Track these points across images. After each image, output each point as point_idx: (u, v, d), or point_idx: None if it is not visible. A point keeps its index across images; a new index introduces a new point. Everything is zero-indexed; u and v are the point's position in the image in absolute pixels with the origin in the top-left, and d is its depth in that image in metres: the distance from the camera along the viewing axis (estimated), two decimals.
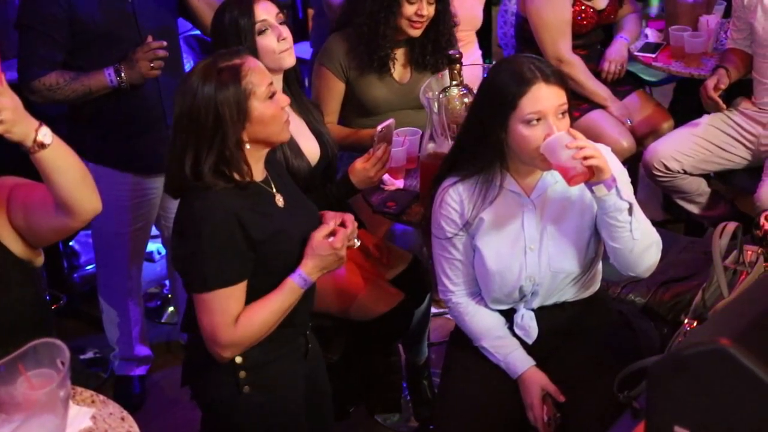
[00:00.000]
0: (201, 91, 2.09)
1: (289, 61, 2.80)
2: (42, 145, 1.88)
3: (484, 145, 2.29)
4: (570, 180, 2.16)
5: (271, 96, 2.17)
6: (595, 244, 2.40)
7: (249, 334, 2.18)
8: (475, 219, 2.36)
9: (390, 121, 2.79)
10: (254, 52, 2.70)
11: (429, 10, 3.18)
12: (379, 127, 2.75)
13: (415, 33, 3.20)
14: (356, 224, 2.33)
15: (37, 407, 1.77)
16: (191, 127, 2.11)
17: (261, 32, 2.75)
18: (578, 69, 3.89)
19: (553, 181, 2.34)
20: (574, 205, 2.35)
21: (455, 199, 2.38)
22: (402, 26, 3.19)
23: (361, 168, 2.75)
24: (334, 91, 3.28)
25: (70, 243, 4.34)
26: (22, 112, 1.86)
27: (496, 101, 2.24)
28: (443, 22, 3.25)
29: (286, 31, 2.78)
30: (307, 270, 2.22)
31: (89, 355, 3.74)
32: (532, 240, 2.36)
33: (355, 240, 2.32)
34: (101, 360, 3.72)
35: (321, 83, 3.30)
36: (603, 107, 3.92)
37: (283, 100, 2.22)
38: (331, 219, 2.31)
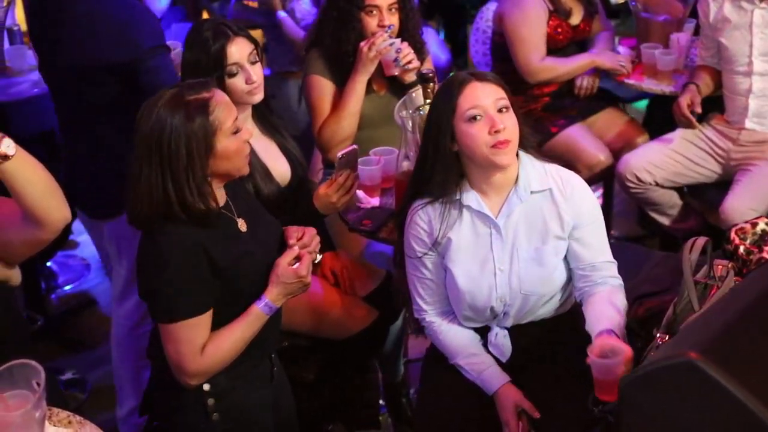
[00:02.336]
0: (170, 122, 2.06)
1: (257, 98, 2.77)
2: (5, 157, 1.89)
3: (440, 163, 2.33)
4: None
5: (236, 131, 2.16)
6: (566, 268, 2.43)
7: (215, 363, 2.19)
8: (443, 239, 2.38)
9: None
10: (221, 87, 2.72)
11: (392, 20, 3.19)
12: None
13: None
14: (318, 239, 2.35)
15: (13, 428, 1.76)
16: (164, 158, 2.07)
17: (231, 75, 2.70)
18: (552, 66, 3.94)
19: (518, 201, 2.36)
20: (541, 229, 2.38)
21: (424, 219, 2.40)
22: None
23: (323, 194, 2.70)
24: (329, 92, 3.24)
25: (48, 264, 4.32)
26: None
27: (438, 112, 2.32)
28: (407, 30, 3.25)
29: (256, 73, 2.72)
30: (272, 297, 2.24)
31: (67, 376, 3.72)
32: (501, 261, 2.38)
33: (317, 255, 2.35)
34: (79, 381, 3.70)
35: (314, 91, 3.25)
36: (596, 75, 4.04)
37: (246, 133, 2.21)
38: (294, 233, 2.34)
